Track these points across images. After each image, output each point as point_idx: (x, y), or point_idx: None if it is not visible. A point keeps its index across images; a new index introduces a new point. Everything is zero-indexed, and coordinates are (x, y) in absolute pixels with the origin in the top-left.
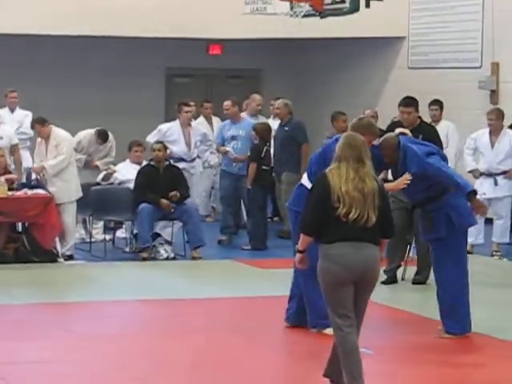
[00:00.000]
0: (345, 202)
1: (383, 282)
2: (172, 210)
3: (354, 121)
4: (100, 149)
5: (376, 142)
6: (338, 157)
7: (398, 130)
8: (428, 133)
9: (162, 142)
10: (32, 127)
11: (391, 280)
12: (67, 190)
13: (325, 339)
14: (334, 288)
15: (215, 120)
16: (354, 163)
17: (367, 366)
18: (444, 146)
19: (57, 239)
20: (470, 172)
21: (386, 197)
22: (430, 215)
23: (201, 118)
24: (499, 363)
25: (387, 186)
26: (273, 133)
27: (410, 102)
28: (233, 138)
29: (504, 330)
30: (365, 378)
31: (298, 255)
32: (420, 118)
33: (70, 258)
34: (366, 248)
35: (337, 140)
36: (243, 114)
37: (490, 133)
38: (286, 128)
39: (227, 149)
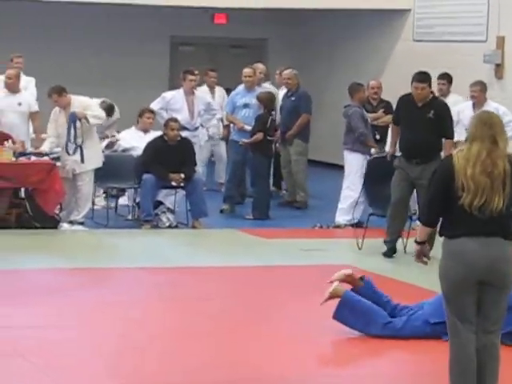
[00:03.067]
0: (469, 188)
1: (383, 254)
2: (182, 184)
3: None
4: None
5: None
6: (471, 136)
7: None
8: (440, 108)
9: (177, 121)
10: (49, 96)
11: (391, 252)
12: (89, 158)
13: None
14: (455, 290)
15: (218, 89)
16: (489, 144)
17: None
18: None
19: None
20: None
21: None
22: None
23: (204, 87)
24: None
25: None
26: (279, 102)
27: (424, 78)
28: (245, 105)
29: None
30: None
31: (418, 247)
32: (432, 92)
33: (81, 224)
34: (494, 244)
35: None
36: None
37: (474, 105)
38: (293, 98)
39: (243, 125)
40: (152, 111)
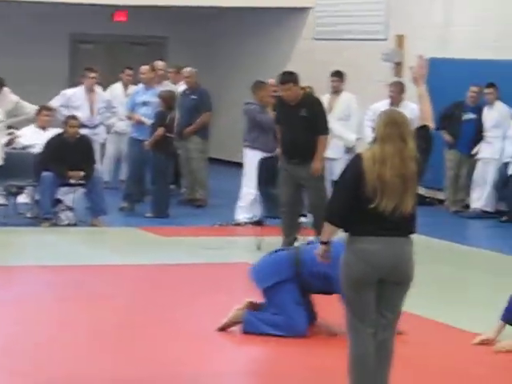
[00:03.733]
0: (384, 191)
1: None
2: (81, 182)
3: None
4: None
5: None
6: (380, 136)
7: None
8: (311, 105)
9: (77, 118)
10: None
11: None
12: None
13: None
14: (357, 286)
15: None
16: (399, 143)
17: None
18: (345, 116)
19: None
20: (370, 144)
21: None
22: None
23: (118, 84)
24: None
25: None
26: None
27: (285, 79)
28: (144, 103)
29: None
30: None
31: (321, 247)
32: (304, 89)
33: None
34: (398, 243)
35: None
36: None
37: (391, 105)
38: (194, 96)
39: (139, 117)
40: (49, 108)
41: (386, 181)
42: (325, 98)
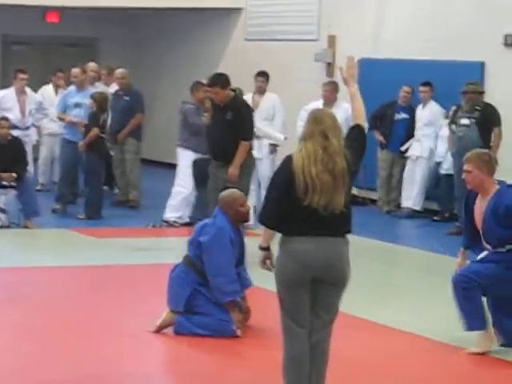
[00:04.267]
0: (315, 187)
1: None
2: (13, 184)
3: None
4: None
5: None
6: (303, 135)
7: None
8: (237, 109)
9: (8, 120)
10: None
11: None
12: None
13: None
14: (290, 287)
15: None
16: (322, 140)
17: None
18: (270, 116)
19: None
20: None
21: (352, 178)
22: None
23: (49, 86)
24: None
25: None
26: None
27: (212, 82)
28: (76, 105)
29: None
30: None
31: (262, 254)
32: (235, 91)
33: None
34: (331, 243)
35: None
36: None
37: (324, 104)
38: (127, 97)
39: (71, 118)
40: None
41: (314, 177)
42: (249, 98)
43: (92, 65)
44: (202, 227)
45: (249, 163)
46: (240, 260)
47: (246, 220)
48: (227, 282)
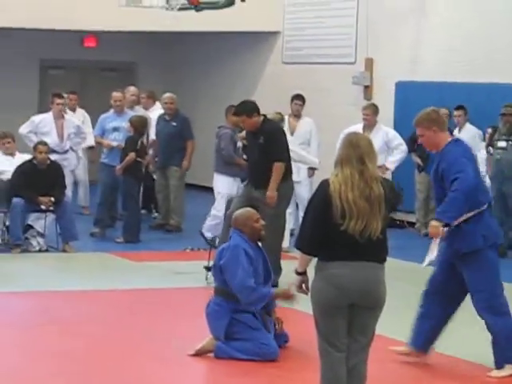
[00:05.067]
0: (351, 212)
1: None
2: (51, 208)
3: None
4: None
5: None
6: (340, 159)
7: None
8: (268, 132)
9: (46, 144)
10: None
11: None
12: None
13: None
14: (326, 311)
15: (79, 112)
16: (359, 165)
17: None
18: (306, 141)
19: None
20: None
21: (389, 206)
22: None
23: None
24: None
25: None
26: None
27: (238, 111)
28: (115, 129)
29: None
30: None
31: (298, 278)
32: (265, 117)
33: None
34: (368, 268)
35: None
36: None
37: (364, 128)
38: (174, 123)
39: (109, 142)
40: (7, 135)
41: (351, 203)
42: (285, 122)
43: (132, 89)
44: (220, 252)
45: (286, 186)
46: (266, 277)
47: (262, 237)
48: (249, 294)
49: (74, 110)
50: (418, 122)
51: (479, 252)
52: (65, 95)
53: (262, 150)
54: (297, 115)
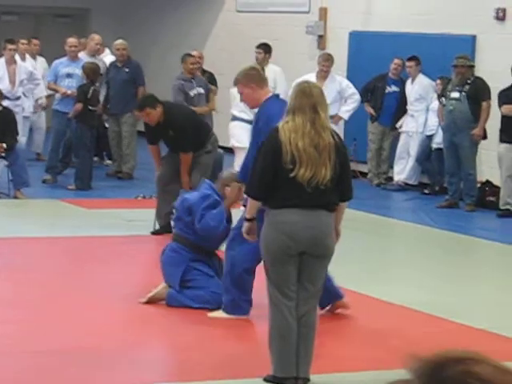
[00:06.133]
0: (301, 160)
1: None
2: (3, 154)
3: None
4: None
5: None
6: (292, 108)
7: None
8: (173, 126)
9: None
10: None
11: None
12: None
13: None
14: (277, 260)
15: (40, 59)
16: (311, 113)
17: None
18: (272, 89)
19: None
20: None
21: (345, 153)
22: None
23: (27, 55)
24: None
25: None
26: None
27: (141, 105)
28: (68, 75)
29: None
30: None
31: (247, 224)
32: (163, 104)
33: None
34: (317, 216)
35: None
36: (81, 54)
37: (318, 77)
38: (127, 69)
39: (65, 90)
40: None
41: (300, 150)
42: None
43: (97, 37)
44: (182, 200)
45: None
46: None
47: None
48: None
49: (34, 56)
50: (238, 79)
51: None
52: (24, 41)
53: (175, 141)
54: (259, 64)
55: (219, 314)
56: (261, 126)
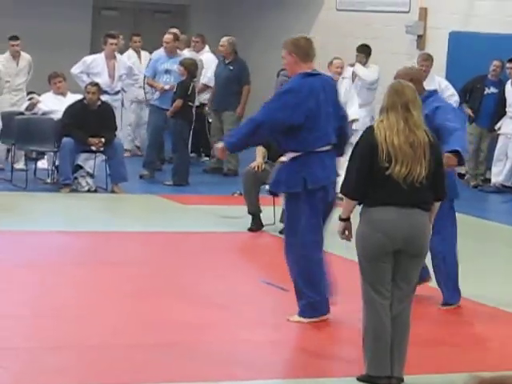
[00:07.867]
0: (397, 157)
1: (249, 229)
2: (101, 149)
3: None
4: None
5: None
6: (385, 106)
7: None
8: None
9: (96, 85)
10: None
11: (257, 226)
12: None
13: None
14: (373, 257)
15: (144, 54)
16: (403, 112)
17: None
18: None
19: None
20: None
21: (439, 152)
22: None
23: (130, 51)
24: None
25: None
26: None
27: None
28: (166, 71)
29: None
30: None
31: (342, 224)
32: None
33: None
34: (414, 214)
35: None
36: (185, 51)
37: None
38: (231, 67)
39: (163, 85)
40: (58, 75)
41: (396, 147)
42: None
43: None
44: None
45: None
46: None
47: None
48: None
49: (138, 52)
50: (285, 43)
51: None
52: (117, 36)
53: None
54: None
55: (298, 318)
56: (276, 94)
